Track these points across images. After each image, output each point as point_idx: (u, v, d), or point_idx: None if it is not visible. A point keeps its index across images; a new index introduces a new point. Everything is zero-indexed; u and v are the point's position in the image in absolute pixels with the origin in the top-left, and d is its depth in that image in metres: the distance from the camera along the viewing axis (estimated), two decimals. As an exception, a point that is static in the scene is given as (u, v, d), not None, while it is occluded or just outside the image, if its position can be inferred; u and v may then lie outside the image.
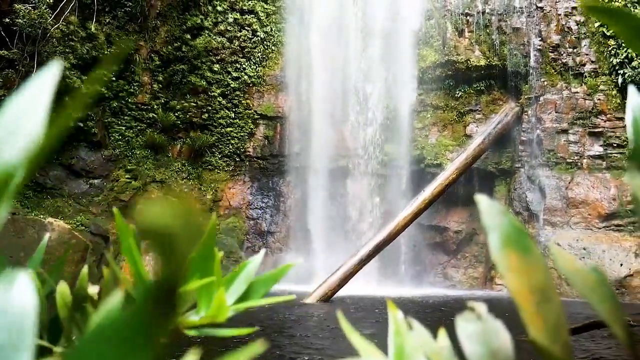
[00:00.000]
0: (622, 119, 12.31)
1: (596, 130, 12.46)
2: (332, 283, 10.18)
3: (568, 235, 11.99)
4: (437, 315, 8.78)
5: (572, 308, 9.39)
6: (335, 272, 10.38)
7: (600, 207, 12.04)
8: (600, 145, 12.41)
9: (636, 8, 11.93)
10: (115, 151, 13.96)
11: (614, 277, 11.13)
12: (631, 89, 0.51)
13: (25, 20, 10.85)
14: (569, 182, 12.38)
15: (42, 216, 11.45)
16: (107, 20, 13.47)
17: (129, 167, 13.88)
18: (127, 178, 13.74)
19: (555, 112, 12.73)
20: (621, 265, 11.21)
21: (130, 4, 13.68)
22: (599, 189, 12.17)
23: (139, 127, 14.25)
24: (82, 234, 11.89)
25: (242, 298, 0.63)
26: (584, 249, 11.60)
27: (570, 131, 12.62)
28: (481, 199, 0.43)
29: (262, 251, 0.79)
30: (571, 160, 12.55)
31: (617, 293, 11.04)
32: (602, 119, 12.43)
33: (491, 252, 0.41)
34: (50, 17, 11.23)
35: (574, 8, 12.83)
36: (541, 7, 13.03)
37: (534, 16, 13.06)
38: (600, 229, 12.00)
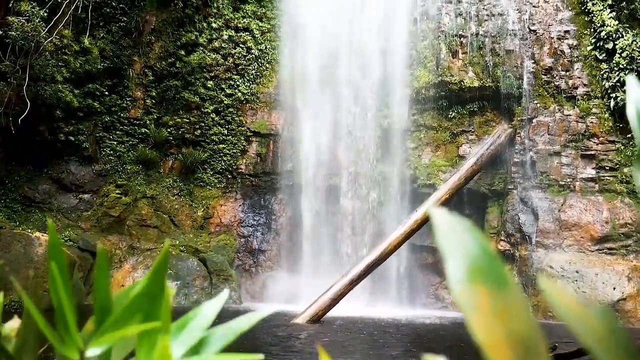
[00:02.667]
0: (614, 142, 12.34)
1: (589, 152, 12.48)
2: (322, 303, 10.04)
3: (561, 258, 11.92)
4: (437, 339, 8.67)
5: (566, 332, 9.30)
6: (325, 292, 10.25)
7: (592, 230, 12.00)
8: (593, 168, 12.42)
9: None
10: (106, 166, 13.84)
11: (606, 300, 11.04)
12: (630, 80, 0.41)
13: (18, 33, 10.80)
14: (562, 205, 12.35)
15: (29, 230, 11.28)
16: (101, 34, 13.45)
17: (119, 182, 13.75)
18: (118, 193, 13.60)
19: (548, 135, 12.75)
20: (614, 289, 11.13)
21: (125, 19, 13.67)
22: (591, 211, 12.15)
23: (130, 142, 14.15)
24: (70, 249, 11.72)
25: (195, 350, 0.51)
26: (577, 272, 11.53)
27: (563, 153, 12.63)
28: (435, 213, 0.32)
29: (224, 293, 0.66)
30: (564, 183, 12.54)
31: (610, 317, 10.94)
32: (595, 142, 12.46)
33: (450, 286, 0.30)
34: (44, 30, 11.18)
35: (566, 32, 12.94)
36: (534, 30, 13.13)
37: (527, 39, 13.15)
38: (593, 252, 11.95)
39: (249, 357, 0.53)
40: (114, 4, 13.51)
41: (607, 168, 12.31)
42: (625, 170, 12.19)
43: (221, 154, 14.46)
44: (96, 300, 0.56)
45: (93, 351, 0.53)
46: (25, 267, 10.42)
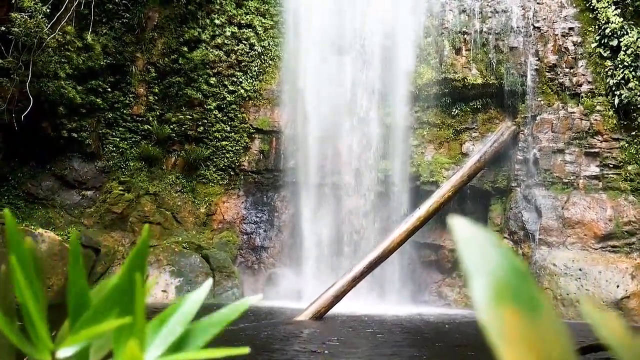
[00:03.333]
0: (618, 139, 12.29)
1: (592, 150, 12.43)
2: (325, 300, 10.04)
3: (564, 255, 11.89)
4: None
5: (570, 330, 9.28)
6: (328, 290, 10.24)
7: (596, 228, 11.96)
8: (597, 166, 12.37)
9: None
10: (108, 162, 13.84)
11: (610, 299, 11.01)
12: (456, 224, 0.32)
13: (21, 29, 10.78)
14: (565, 202, 12.31)
15: (32, 227, 11.28)
16: (104, 31, 13.42)
17: (122, 178, 13.75)
18: (120, 190, 13.60)
19: (552, 132, 12.70)
20: (617, 286, 11.10)
21: (128, 15, 13.65)
22: (595, 209, 12.11)
23: (133, 139, 14.15)
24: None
25: (176, 347, 0.47)
26: (580, 270, 11.50)
27: (566, 151, 12.58)
28: (458, 224, 0.28)
29: (208, 283, 0.62)
30: (567, 180, 12.50)
31: (613, 315, 10.92)
32: (599, 140, 12.41)
33: (475, 308, 0.25)
34: (47, 26, 11.16)
35: (570, 29, 12.87)
36: (538, 27, 13.07)
37: (531, 36, 13.09)
38: (596, 249, 11.91)
39: (233, 350, 0.49)
40: (116, 0, 13.48)
41: (611, 166, 12.27)
42: (630, 167, 12.15)
43: (224, 151, 14.45)
44: (70, 296, 0.54)
45: (65, 351, 0.50)
46: (28, 264, 10.42)
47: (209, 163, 14.48)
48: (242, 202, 14.59)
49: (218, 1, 14.47)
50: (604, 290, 11.12)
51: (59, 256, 10.86)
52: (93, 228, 13.14)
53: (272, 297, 13.21)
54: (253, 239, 14.37)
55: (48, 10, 11.22)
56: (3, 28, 10.93)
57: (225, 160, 14.47)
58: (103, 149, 13.87)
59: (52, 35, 11.47)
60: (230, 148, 14.45)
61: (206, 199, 14.40)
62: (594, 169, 12.38)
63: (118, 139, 13.98)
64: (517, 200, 12.80)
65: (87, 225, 13.15)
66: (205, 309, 0.51)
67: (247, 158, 14.50)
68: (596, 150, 12.40)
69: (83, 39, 12.77)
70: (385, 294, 12.98)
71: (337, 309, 10.19)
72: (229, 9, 14.54)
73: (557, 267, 11.67)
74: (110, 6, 13.41)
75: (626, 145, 12.24)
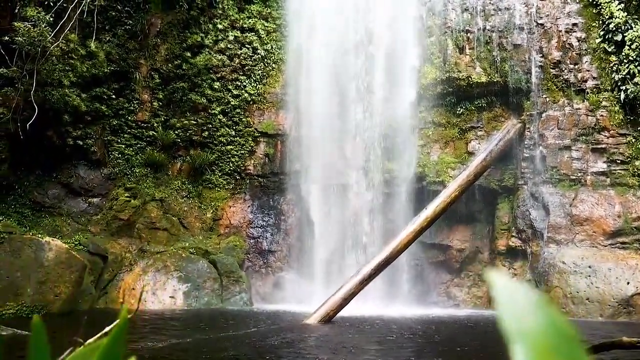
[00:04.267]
0: (625, 135, 12.20)
1: (599, 146, 12.34)
2: (333, 303, 9.99)
3: (573, 253, 11.80)
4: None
5: (581, 328, 9.18)
6: (336, 292, 10.20)
7: (605, 225, 11.86)
8: (604, 162, 12.28)
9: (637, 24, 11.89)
10: (114, 169, 13.86)
11: (620, 296, 10.92)
12: (495, 280, 0.29)
13: (24, 38, 10.81)
14: (573, 199, 12.23)
15: (39, 235, 11.30)
16: (107, 38, 13.46)
17: (128, 185, 13.76)
18: (127, 196, 13.61)
19: (558, 129, 12.62)
20: (628, 283, 11.00)
21: (131, 22, 13.68)
22: (603, 206, 12.01)
23: (138, 145, 14.16)
24: (80, 253, 11.73)
25: None
26: (590, 267, 11.41)
27: (573, 147, 12.50)
28: (498, 281, 0.25)
29: None
30: (575, 177, 12.41)
31: (624, 312, 10.83)
32: (605, 135, 12.32)
33: None
34: (50, 35, 11.19)
35: (574, 24, 12.79)
36: (542, 24, 12.99)
37: (534, 33, 13.02)
38: (605, 246, 11.81)
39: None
40: (119, 7, 13.51)
41: (619, 161, 12.17)
42: (637, 163, 12.05)
43: (229, 155, 14.44)
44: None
45: None
46: (36, 272, 10.45)
47: (214, 168, 14.48)
48: (249, 206, 14.58)
49: (220, 6, 14.48)
50: (614, 288, 11.02)
51: (66, 264, 10.87)
52: (100, 235, 13.16)
53: (279, 300, 13.18)
54: (260, 243, 14.35)
55: (51, 19, 11.25)
56: (6, 38, 10.97)
57: (231, 165, 14.46)
58: (108, 156, 13.89)
59: (56, 44, 11.50)
60: (235, 152, 14.44)
61: (212, 203, 14.40)
62: (601, 165, 12.29)
63: (123, 146, 14.00)
64: (525, 198, 12.73)
65: (94, 233, 13.17)
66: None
67: (252, 162, 14.48)
68: (603, 146, 12.31)
69: (87, 47, 12.80)
70: (393, 295, 12.92)
71: (345, 312, 10.14)
72: (231, 14, 14.55)
73: (566, 265, 11.58)
74: (113, 13, 13.45)
75: (633, 140, 12.14)
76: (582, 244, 11.96)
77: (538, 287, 12.07)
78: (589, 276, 11.31)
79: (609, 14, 12.21)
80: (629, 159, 12.11)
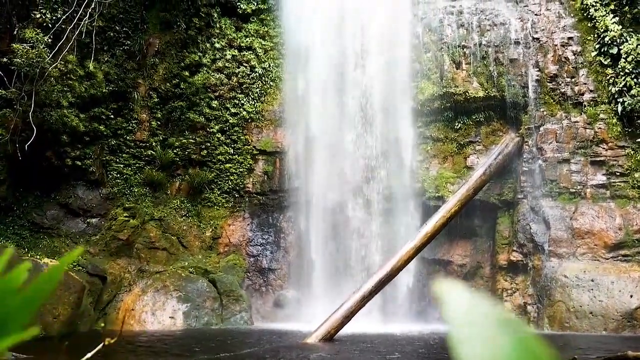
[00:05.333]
0: (624, 147, 12.21)
1: (598, 159, 12.34)
2: (334, 321, 9.89)
3: (575, 266, 11.73)
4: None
5: (585, 342, 9.09)
6: (337, 310, 10.11)
7: (606, 237, 11.81)
8: (603, 174, 12.27)
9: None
10: (113, 189, 13.82)
11: (624, 309, 10.83)
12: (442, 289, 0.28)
13: (23, 59, 10.85)
14: (574, 212, 12.19)
15: (38, 257, 11.23)
16: (106, 58, 13.52)
17: (127, 205, 13.71)
18: (125, 216, 13.55)
19: (556, 142, 12.63)
20: (631, 296, 10.92)
21: (129, 42, 13.75)
22: (604, 218, 11.98)
23: (137, 165, 14.15)
24: (79, 274, 11.64)
25: None
26: (592, 280, 11.34)
27: (572, 160, 12.50)
28: (445, 290, 0.22)
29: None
30: (574, 190, 12.39)
31: (628, 326, 10.73)
32: (604, 148, 12.32)
33: None
34: (49, 56, 11.23)
35: (570, 38, 12.88)
36: (537, 38, 13.08)
37: (530, 47, 13.10)
38: (607, 259, 11.75)
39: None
40: (117, 28, 13.60)
41: (618, 174, 12.16)
42: (637, 175, 12.04)
43: (228, 174, 14.42)
44: None
45: None
46: (35, 294, 10.34)
47: (213, 186, 14.45)
48: (248, 224, 14.52)
49: (218, 25, 14.58)
50: (617, 301, 10.94)
51: (65, 286, 10.78)
52: (99, 256, 13.07)
53: (280, 319, 13.06)
54: (260, 261, 14.26)
55: (50, 40, 11.30)
56: (5, 59, 11.01)
57: (230, 183, 14.43)
58: (107, 175, 13.86)
59: (54, 65, 11.54)
60: (234, 170, 14.42)
61: (211, 222, 14.34)
62: (600, 178, 12.28)
63: (122, 165, 13.98)
64: (525, 212, 12.69)
65: (93, 253, 13.08)
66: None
67: (251, 180, 14.46)
68: (602, 158, 12.31)
69: (85, 67, 12.85)
70: (395, 312, 12.81)
71: (346, 329, 10.04)
72: (228, 33, 14.64)
73: (568, 279, 11.51)
74: (112, 34, 13.52)
75: (632, 152, 12.15)
76: (583, 257, 11.89)
77: (541, 301, 11.98)
78: (592, 290, 11.23)
79: (603, 28, 12.29)
80: (628, 171, 12.10)
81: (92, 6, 11.81)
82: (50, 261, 11.02)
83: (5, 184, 12.33)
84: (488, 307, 0.27)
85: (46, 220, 13.13)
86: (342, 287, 12.47)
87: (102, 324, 11.44)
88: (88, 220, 13.53)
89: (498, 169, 12.85)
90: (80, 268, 12.15)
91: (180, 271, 12.86)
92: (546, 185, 12.58)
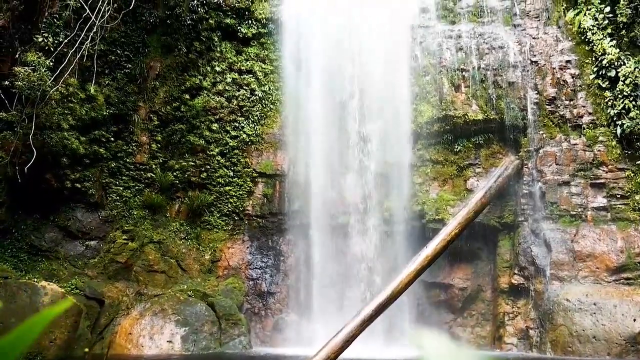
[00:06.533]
0: (624, 169, 12.19)
1: (598, 181, 12.31)
2: (334, 346, 9.75)
3: (577, 290, 11.61)
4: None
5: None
6: (336, 334, 9.97)
7: (608, 260, 11.72)
8: (604, 197, 12.23)
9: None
10: (112, 212, 13.79)
11: (627, 333, 10.68)
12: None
13: (24, 82, 10.93)
14: (575, 235, 12.12)
15: (35, 280, 11.16)
16: (107, 81, 13.62)
17: (126, 227, 13.67)
18: (124, 239, 13.50)
19: (556, 164, 12.63)
20: (634, 320, 10.78)
21: (130, 65, 13.87)
22: (605, 241, 11.90)
23: (136, 187, 14.14)
24: (76, 297, 11.57)
25: None
26: (595, 304, 11.21)
27: (572, 183, 12.47)
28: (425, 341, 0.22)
29: None
30: (575, 213, 12.33)
31: (632, 350, 10.58)
32: (604, 170, 12.31)
33: None
34: (50, 79, 11.32)
35: (568, 61, 12.96)
36: (535, 62, 13.17)
37: (528, 70, 13.19)
38: (609, 282, 11.64)
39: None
40: (119, 51, 13.73)
41: (619, 196, 12.12)
42: (638, 197, 11.99)
43: (227, 196, 14.40)
44: None
45: None
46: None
47: (212, 209, 14.42)
48: (247, 247, 14.45)
49: (218, 49, 14.71)
50: (620, 325, 10.80)
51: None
52: (97, 279, 12.98)
53: (279, 343, 12.91)
54: (259, 285, 14.15)
55: (51, 64, 11.40)
56: (7, 82, 11.09)
57: (229, 206, 14.40)
58: (106, 198, 13.85)
59: (55, 88, 11.62)
60: (233, 193, 14.40)
61: (211, 245, 14.27)
62: (601, 200, 12.23)
63: (121, 188, 13.97)
64: (525, 235, 12.62)
65: (91, 276, 13.00)
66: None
67: (251, 202, 14.43)
68: (602, 181, 12.28)
69: (86, 91, 12.94)
70: (395, 336, 12.65)
71: (346, 354, 9.90)
72: (229, 56, 14.76)
73: (570, 303, 11.38)
74: (113, 57, 13.65)
75: (632, 174, 12.12)
76: (585, 280, 11.78)
77: (543, 325, 11.83)
78: (594, 313, 11.10)
79: (601, 51, 12.38)
80: (628, 193, 12.06)
81: (94, 30, 11.93)
82: (48, 284, 10.95)
83: (4, 207, 12.32)
84: (468, 356, 0.26)
85: (44, 243, 13.08)
86: (342, 311, 12.34)
87: (86, 349, 11.24)
88: (87, 243, 13.48)
89: (498, 191, 12.83)
90: (78, 291, 12.06)
91: (178, 294, 12.74)
92: (546, 208, 12.53)
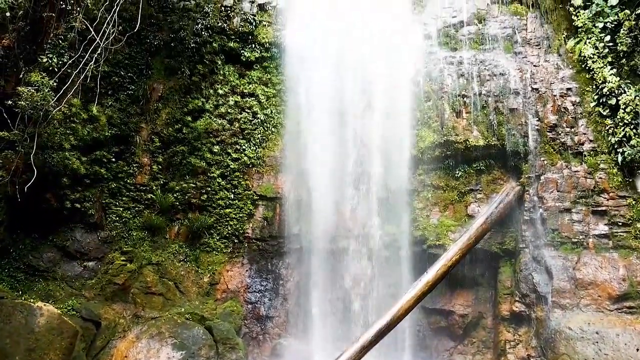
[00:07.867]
0: (625, 197, 12.17)
1: (599, 208, 12.28)
2: (332, 371, 9.63)
3: (579, 318, 11.49)
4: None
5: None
6: None
7: (610, 288, 11.62)
8: (605, 224, 12.18)
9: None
10: (111, 232, 13.72)
11: (630, 363, 10.54)
12: None
13: (27, 102, 10.97)
14: (576, 262, 12.04)
15: (32, 300, 11.04)
16: (110, 102, 13.69)
17: (124, 249, 13.59)
18: (122, 260, 13.40)
19: (557, 191, 12.62)
20: (637, 350, 10.64)
21: (133, 87, 13.96)
22: (607, 269, 11.81)
23: (136, 208, 14.10)
24: (72, 319, 11.42)
25: None
26: (597, 333, 11.08)
27: (573, 210, 12.45)
28: None
29: None
30: (576, 240, 12.28)
31: (636, 381, 10.42)
32: (605, 198, 12.29)
33: None
34: (53, 99, 11.37)
35: (568, 89, 13.06)
36: (536, 89, 13.27)
37: (529, 97, 13.27)
38: (612, 311, 11.52)
39: None
40: (122, 73, 13.83)
41: (620, 224, 12.08)
42: (639, 225, 11.95)
43: (227, 219, 14.35)
44: None
45: None
46: (26, 339, 10.12)
47: (212, 231, 14.35)
48: (247, 270, 14.34)
49: (221, 72, 14.83)
50: (623, 354, 10.67)
51: (58, 330, 10.55)
52: (94, 300, 12.85)
53: (278, 369, 12.74)
54: (258, 309, 14.02)
55: (55, 84, 11.46)
56: (10, 102, 11.14)
57: (229, 228, 14.34)
58: (106, 219, 13.79)
59: (58, 108, 11.67)
60: (234, 215, 14.36)
61: (210, 267, 14.17)
62: (602, 228, 12.18)
63: (121, 209, 13.93)
64: (527, 262, 12.54)
65: (87, 298, 12.87)
66: None
67: (251, 225, 14.38)
68: (603, 208, 12.25)
69: (88, 111, 12.99)
70: (395, 363, 12.49)
71: (345, 380, 9.75)
72: (232, 79, 14.87)
73: (572, 331, 11.26)
74: (116, 79, 13.74)
75: (633, 202, 12.10)
76: (587, 308, 11.67)
77: (545, 354, 11.67)
78: (597, 342, 10.97)
79: (602, 79, 12.48)
80: (630, 221, 12.02)
81: (99, 52, 12.03)
82: (44, 305, 10.82)
83: (3, 226, 12.26)
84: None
85: (42, 263, 12.98)
86: (342, 337, 12.21)
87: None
88: (84, 263, 13.38)
89: (499, 217, 12.79)
90: (75, 312, 11.93)
91: (176, 317, 12.60)
92: (548, 235, 12.48)
